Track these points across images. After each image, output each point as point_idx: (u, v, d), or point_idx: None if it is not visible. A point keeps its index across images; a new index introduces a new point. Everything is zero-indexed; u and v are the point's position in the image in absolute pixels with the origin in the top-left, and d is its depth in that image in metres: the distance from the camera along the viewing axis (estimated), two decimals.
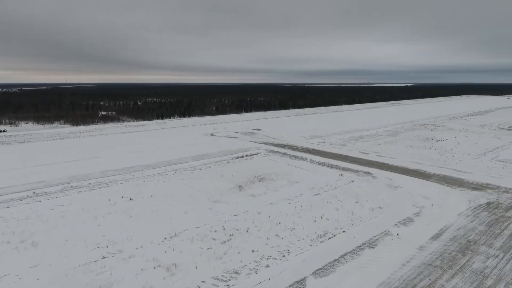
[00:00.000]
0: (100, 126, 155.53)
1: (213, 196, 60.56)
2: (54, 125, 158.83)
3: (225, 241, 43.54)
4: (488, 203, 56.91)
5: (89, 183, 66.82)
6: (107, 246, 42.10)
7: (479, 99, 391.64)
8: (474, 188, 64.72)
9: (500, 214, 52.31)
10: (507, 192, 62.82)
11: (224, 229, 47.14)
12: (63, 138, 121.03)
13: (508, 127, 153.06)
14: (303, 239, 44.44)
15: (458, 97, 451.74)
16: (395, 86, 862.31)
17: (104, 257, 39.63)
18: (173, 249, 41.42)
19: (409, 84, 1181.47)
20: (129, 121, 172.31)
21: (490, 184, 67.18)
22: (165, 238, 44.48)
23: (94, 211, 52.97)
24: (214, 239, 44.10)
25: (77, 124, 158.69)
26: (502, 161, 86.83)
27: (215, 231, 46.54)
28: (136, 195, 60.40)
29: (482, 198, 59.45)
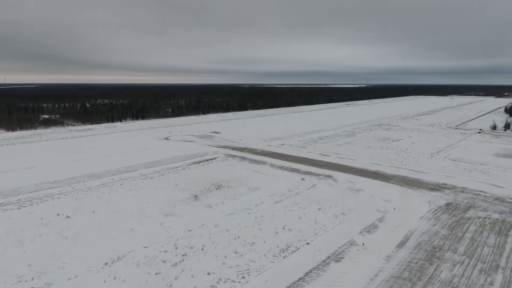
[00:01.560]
0: (40, 131, 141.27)
1: (165, 208, 54.74)
2: None
3: (176, 263, 38.29)
4: (447, 204, 56.82)
5: (18, 199, 57.85)
6: (32, 279, 35.10)
7: (426, 99, 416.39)
8: (432, 189, 64.88)
9: (459, 216, 52.08)
10: (462, 191, 63.59)
11: (176, 248, 41.82)
12: None
13: (455, 126, 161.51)
14: (264, 255, 40.43)
15: (408, 97, 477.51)
16: (350, 87, 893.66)
17: None
18: (115, 277, 35.44)
19: (362, 85, 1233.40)
20: (74, 125, 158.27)
21: (446, 184, 67.89)
22: (106, 263, 38.27)
23: (21, 234, 45.02)
24: (164, 262, 38.67)
25: (13, 129, 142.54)
26: (454, 160, 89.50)
27: (166, 251, 41.08)
28: (75, 212, 52.90)
29: (440, 199, 59.41)
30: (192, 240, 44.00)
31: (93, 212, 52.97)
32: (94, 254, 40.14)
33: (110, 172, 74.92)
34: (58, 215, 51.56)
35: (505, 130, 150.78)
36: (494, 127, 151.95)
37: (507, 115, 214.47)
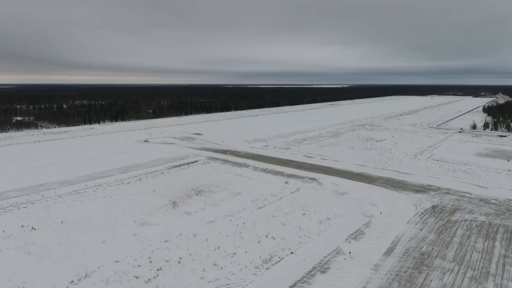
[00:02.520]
0: (11, 134, 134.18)
1: (141, 217, 51.41)
2: None
3: (150, 279, 35.20)
4: (433, 207, 55.68)
5: None
6: None
7: (407, 99, 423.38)
8: (417, 191, 63.81)
9: (446, 219, 50.90)
10: (447, 193, 62.76)
11: (150, 261, 38.68)
12: None
13: (437, 126, 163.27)
14: (246, 267, 37.82)
15: (389, 97, 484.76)
16: (333, 87, 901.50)
17: None
18: None
19: (345, 85, 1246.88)
20: (49, 128, 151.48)
21: (431, 186, 67.02)
22: (72, 281, 34.80)
23: None
24: (137, 277, 35.52)
25: None
26: (437, 160, 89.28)
27: (139, 265, 37.89)
28: (41, 223, 48.91)
29: (426, 201, 58.27)
30: (169, 252, 40.96)
31: (62, 222, 49.13)
32: (60, 271, 36.61)
33: (83, 178, 70.72)
34: (22, 226, 47.51)
35: (484, 129, 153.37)
36: (474, 127, 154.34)
37: (485, 114, 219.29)
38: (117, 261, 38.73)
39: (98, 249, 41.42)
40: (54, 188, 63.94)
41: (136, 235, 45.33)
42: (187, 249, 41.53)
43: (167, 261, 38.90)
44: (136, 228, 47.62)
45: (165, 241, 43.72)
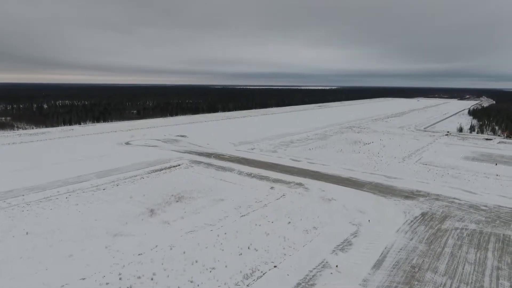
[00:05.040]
0: None
1: (115, 227, 47.84)
2: None
3: None
4: (423, 214, 53.72)
5: None
6: None
7: (394, 101, 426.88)
8: (406, 197, 61.87)
9: (436, 227, 48.91)
10: (437, 199, 60.99)
11: (120, 278, 35.28)
12: None
13: (424, 128, 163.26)
14: (225, 283, 34.79)
15: (377, 99, 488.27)
16: (321, 89, 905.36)
17: None
18: None
19: (333, 87, 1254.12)
20: (26, 129, 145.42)
21: (420, 191, 65.23)
22: None
23: None
24: None
25: None
26: (426, 164, 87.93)
27: (107, 283, 34.46)
28: (4, 234, 44.88)
29: (416, 208, 56.31)
30: (142, 267, 37.62)
31: (27, 234, 45.24)
32: None
33: (56, 183, 66.54)
34: None
35: (470, 132, 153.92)
36: (460, 130, 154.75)
37: (471, 117, 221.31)
38: (84, 278, 35.24)
39: (64, 264, 37.80)
40: (23, 195, 59.68)
41: (108, 248, 41.82)
42: (162, 264, 38.27)
43: (138, 277, 35.60)
44: (108, 239, 44.08)
45: (139, 255, 40.35)
